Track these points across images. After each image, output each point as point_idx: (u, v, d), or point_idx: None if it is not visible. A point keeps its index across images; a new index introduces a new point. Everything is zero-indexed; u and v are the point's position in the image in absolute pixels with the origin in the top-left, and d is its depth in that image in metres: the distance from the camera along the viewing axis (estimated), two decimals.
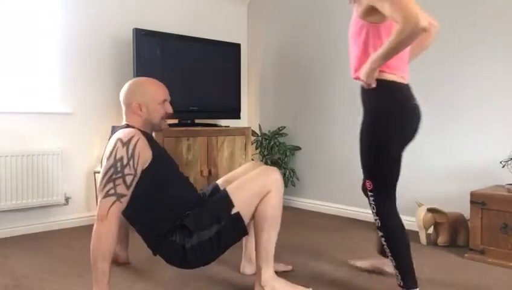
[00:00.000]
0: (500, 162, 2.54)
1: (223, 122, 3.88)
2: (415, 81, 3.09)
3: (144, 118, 1.91)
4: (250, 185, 1.83)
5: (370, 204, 1.78)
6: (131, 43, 3.21)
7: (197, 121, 3.57)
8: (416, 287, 1.74)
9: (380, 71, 1.66)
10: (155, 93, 1.92)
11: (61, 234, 3.00)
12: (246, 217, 1.82)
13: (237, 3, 4.27)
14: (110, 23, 3.39)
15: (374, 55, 1.59)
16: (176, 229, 1.81)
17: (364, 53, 1.71)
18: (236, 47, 3.80)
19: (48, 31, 3.13)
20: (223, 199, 1.83)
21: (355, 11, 1.75)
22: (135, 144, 1.72)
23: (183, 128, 3.26)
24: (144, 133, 1.83)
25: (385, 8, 1.54)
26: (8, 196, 2.89)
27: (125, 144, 1.71)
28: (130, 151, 1.70)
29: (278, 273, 2.00)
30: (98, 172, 3.20)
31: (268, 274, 1.88)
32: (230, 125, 3.74)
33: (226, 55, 3.73)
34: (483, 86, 2.77)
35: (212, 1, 4.06)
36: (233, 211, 1.80)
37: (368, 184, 1.76)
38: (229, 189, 1.85)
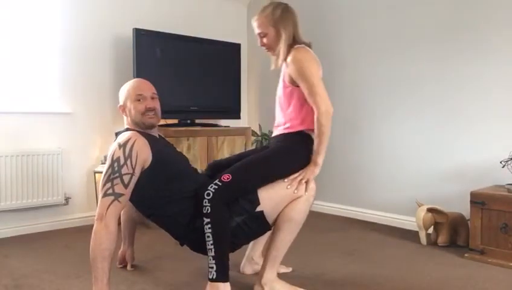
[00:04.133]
0: (500, 162, 2.54)
1: (223, 122, 3.88)
2: (415, 82, 3.09)
3: (130, 119, 1.97)
4: (283, 186, 1.86)
5: (211, 188, 1.78)
6: (131, 43, 3.21)
7: (197, 121, 3.57)
8: (228, 281, 1.76)
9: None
10: (130, 92, 1.96)
11: (61, 234, 3.00)
12: (270, 216, 1.85)
13: (237, 3, 4.27)
14: (110, 23, 3.39)
15: (319, 158, 1.90)
16: (198, 217, 1.83)
17: (300, 112, 1.95)
18: (236, 47, 3.80)
19: (48, 31, 3.13)
20: (250, 196, 1.86)
21: (283, 76, 2.00)
22: (132, 145, 1.77)
23: (183, 128, 3.26)
24: (144, 134, 1.88)
25: (303, 89, 1.89)
26: (8, 196, 2.89)
27: (122, 146, 1.77)
28: (127, 152, 1.75)
29: (278, 274, 2.00)
30: (98, 172, 3.21)
31: (271, 275, 1.90)
32: (230, 125, 3.74)
33: (226, 55, 3.73)
34: (483, 86, 2.76)
35: (212, 1, 4.05)
36: (258, 209, 1.83)
37: (227, 177, 1.81)
38: (260, 188, 1.87)
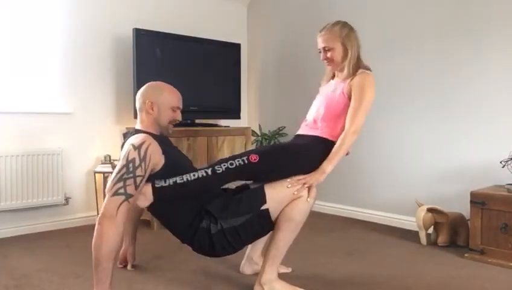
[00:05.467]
0: (500, 162, 2.54)
1: (223, 122, 3.88)
2: (416, 81, 3.09)
3: (153, 118, 1.98)
4: (285, 185, 1.87)
5: (237, 161, 1.85)
6: (131, 43, 3.21)
7: (197, 121, 3.57)
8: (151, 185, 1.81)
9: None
10: (169, 98, 2.01)
11: (61, 234, 3.00)
12: (273, 215, 1.87)
13: (237, 3, 4.27)
14: (110, 23, 3.39)
15: (329, 167, 1.93)
16: (202, 216, 1.86)
17: (339, 118, 2.01)
18: (236, 47, 3.80)
19: (48, 31, 3.13)
20: (257, 193, 1.88)
21: (343, 87, 2.05)
22: (147, 148, 1.78)
23: (183, 128, 3.26)
24: (155, 136, 1.89)
25: (352, 103, 1.97)
26: (8, 196, 2.89)
27: (137, 147, 1.77)
28: (141, 154, 1.76)
29: (278, 274, 2.00)
30: (98, 172, 3.21)
31: (271, 274, 1.91)
32: (230, 125, 3.74)
33: (226, 55, 3.73)
34: (483, 86, 2.76)
35: (212, 1, 4.05)
36: (264, 207, 1.84)
37: (255, 157, 1.86)
38: (266, 186, 1.89)
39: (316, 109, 2.11)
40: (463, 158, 2.85)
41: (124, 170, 1.72)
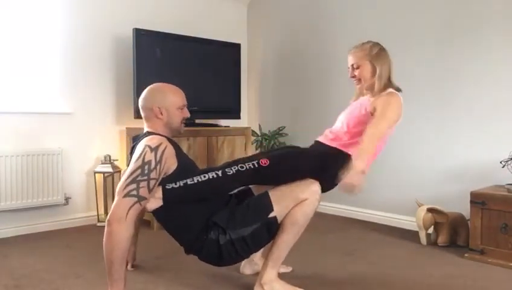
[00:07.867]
0: (500, 162, 2.54)
1: (223, 122, 3.89)
2: (416, 81, 3.09)
3: (164, 122, 1.97)
4: (290, 190, 1.87)
5: (247, 165, 1.85)
6: (131, 43, 3.21)
7: (197, 121, 3.57)
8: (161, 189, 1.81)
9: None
10: (175, 99, 1.99)
11: (61, 234, 3.00)
12: (280, 220, 1.87)
13: (237, 3, 4.27)
14: (110, 23, 3.39)
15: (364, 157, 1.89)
16: (210, 227, 1.85)
17: (360, 134, 1.95)
18: (236, 47, 3.80)
19: (48, 31, 3.13)
20: (263, 201, 1.87)
21: (366, 104, 2.02)
22: (163, 151, 1.76)
23: (183, 128, 3.26)
24: (169, 139, 1.88)
25: (376, 114, 1.93)
26: (8, 196, 2.89)
27: (154, 149, 1.75)
28: (158, 157, 1.74)
29: (278, 274, 2.00)
30: (98, 172, 3.21)
31: (271, 274, 1.91)
32: (230, 125, 3.74)
33: (226, 55, 3.73)
34: (483, 86, 2.76)
35: (212, 1, 4.05)
36: (271, 214, 1.84)
37: (265, 161, 1.85)
38: (271, 193, 1.88)
39: (341, 123, 2.11)
40: (463, 158, 2.85)
41: (139, 171, 1.69)
